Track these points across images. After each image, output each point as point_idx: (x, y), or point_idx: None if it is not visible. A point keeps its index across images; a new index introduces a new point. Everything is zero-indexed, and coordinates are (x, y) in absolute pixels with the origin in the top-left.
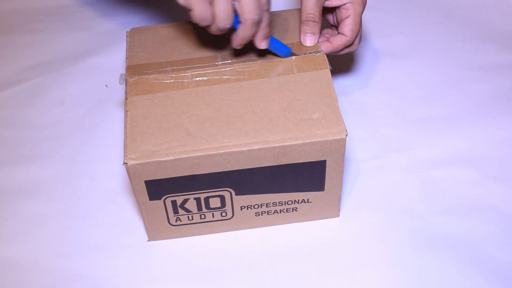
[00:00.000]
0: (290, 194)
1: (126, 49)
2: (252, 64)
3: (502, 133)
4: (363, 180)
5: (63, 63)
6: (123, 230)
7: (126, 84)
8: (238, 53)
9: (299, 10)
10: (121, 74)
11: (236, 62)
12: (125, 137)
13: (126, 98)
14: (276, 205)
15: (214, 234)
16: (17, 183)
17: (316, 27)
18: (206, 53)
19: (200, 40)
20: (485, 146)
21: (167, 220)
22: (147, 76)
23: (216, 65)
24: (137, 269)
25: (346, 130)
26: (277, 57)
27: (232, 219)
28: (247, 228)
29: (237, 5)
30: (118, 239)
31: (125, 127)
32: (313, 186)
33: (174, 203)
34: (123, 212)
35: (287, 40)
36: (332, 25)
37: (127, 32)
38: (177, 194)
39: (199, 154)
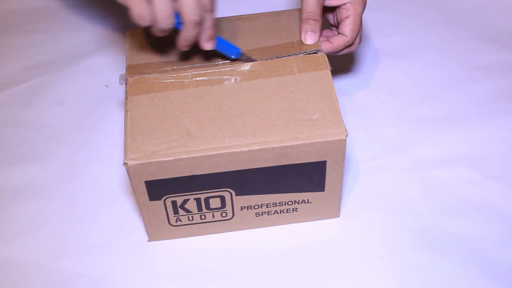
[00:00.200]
0: (290, 195)
1: (126, 49)
2: (252, 64)
3: (502, 133)
4: (363, 180)
5: (63, 63)
6: (123, 230)
7: (126, 83)
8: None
9: (300, 10)
10: (121, 75)
11: (237, 62)
12: (125, 137)
13: (126, 98)
14: (276, 205)
15: (214, 235)
16: (17, 183)
17: (317, 26)
18: (206, 53)
19: None
20: (485, 146)
21: (167, 221)
22: (147, 75)
23: (217, 65)
24: (137, 269)
25: (346, 130)
26: (277, 57)
27: (232, 219)
28: (247, 229)
29: (177, 5)
30: (118, 239)
31: (125, 127)
32: (313, 186)
33: (174, 203)
34: (123, 212)
35: (288, 39)
36: (332, 25)
37: (127, 32)
38: (177, 195)
39: (199, 154)
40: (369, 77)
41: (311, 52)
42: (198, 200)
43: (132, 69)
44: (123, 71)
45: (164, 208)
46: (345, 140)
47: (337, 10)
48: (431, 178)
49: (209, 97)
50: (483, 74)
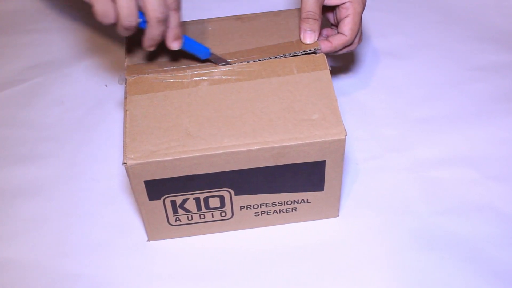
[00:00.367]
0: (290, 194)
1: (126, 49)
2: (252, 65)
3: (502, 133)
4: (362, 180)
5: (63, 63)
6: (122, 230)
7: (125, 83)
8: (238, 54)
9: (299, 10)
10: (120, 75)
11: (236, 62)
12: (125, 137)
13: (125, 98)
14: (276, 205)
15: (213, 234)
16: (17, 183)
17: (316, 25)
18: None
19: (200, 40)
20: (485, 146)
21: (166, 220)
22: (147, 75)
23: (216, 65)
24: (136, 269)
25: (345, 130)
26: (276, 57)
27: (231, 219)
28: (246, 228)
29: (141, 3)
30: (118, 239)
31: (125, 126)
32: (312, 186)
33: (173, 203)
34: (123, 212)
35: (287, 38)
36: (332, 24)
37: None
38: (177, 194)
39: (199, 154)
40: (369, 77)
41: (310, 52)
42: (197, 200)
43: (131, 69)
44: (123, 71)
45: (163, 207)
46: (344, 140)
47: (337, 9)
48: (431, 178)
49: (208, 97)
50: (483, 74)
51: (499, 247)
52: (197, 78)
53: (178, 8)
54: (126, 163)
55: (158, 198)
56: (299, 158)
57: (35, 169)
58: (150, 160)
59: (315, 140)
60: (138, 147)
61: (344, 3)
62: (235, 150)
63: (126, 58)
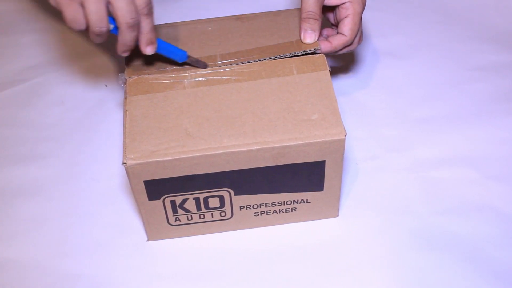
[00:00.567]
0: (289, 194)
1: None
2: (251, 65)
3: (502, 133)
4: (362, 180)
5: (63, 63)
6: (122, 230)
7: (125, 84)
8: (238, 54)
9: (299, 10)
10: (120, 75)
11: (236, 62)
12: (124, 137)
13: (125, 98)
14: (275, 205)
15: (213, 234)
16: (17, 183)
17: (316, 25)
18: (205, 53)
19: (200, 40)
20: (485, 146)
21: (166, 220)
22: (147, 76)
23: (216, 65)
24: (136, 269)
25: (345, 130)
26: (276, 57)
27: (231, 219)
28: (246, 228)
29: (111, 9)
30: (118, 239)
31: (124, 127)
32: (312, 186)
33: (173, 203)
34: (122, 212)
35: (287, 38)
36: (333, 25)
37: None
38: (176, 194)
39: (198, 154)
40: (369, 77)
41: (310, 51)
42: (197, 200)
43: (131, 69)
44: (123, 71)
45: (163, 207)
46: (343, 140)
47: (337, 9)
48: (431, 178)
49: (208, 97)
50: (483, 74)
51: (499, 247)
52: (197, 79)
53: (149, 13)
54: (125, 163)
55: (158, 198)
56: (299, 158)
57: (35, 169)
58: (150, 160)
59: (315, 140)
60: (138, 147)
61: (343, 3)
62: (235, 150)
63: (126, 58)
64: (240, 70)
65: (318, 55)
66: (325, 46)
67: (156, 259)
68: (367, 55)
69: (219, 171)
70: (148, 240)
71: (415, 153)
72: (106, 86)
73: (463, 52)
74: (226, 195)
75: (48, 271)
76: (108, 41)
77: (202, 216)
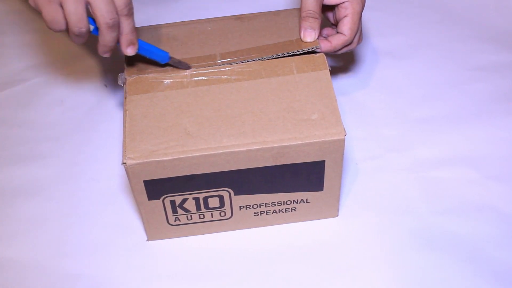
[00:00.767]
0: (289, 194)
1: None
2: (251, 64)
3: (502, 133)
4: (362, 180)
5: (63, 63)
6: (122, 230)
7: (125, 83)
8: (238, 53)
9: (299, 10)
10: (120, 74)
11: (236, 62)
12: (124, 137)
13: (125, 97)
14: (275, 205)
15: (213, 234)
16: (17, 183)
17: (316, 23)
18: (205, 53)
19: (200, 40)
20: (485, 146)
21: (166, 220)
22: (146, 75)
23: (216, 65)
24: (136, 269)
25: (344, 130)
26: (277, 57)
27: (231, 219)
28: (246, 228)
29: (91, 9)
30: (118, 239)
31: (124, 126)
32: (312, 186)
33: (173, 203)
34: (122, 212)
35: (287, 37)
36: (333, 24)
37: None
38: (176, 194)
39: (198, 154)
40: (369, 77)
41: (310, 50)
42: (197, 200)
43: (131, 69)
44: (123, 71)
45: (163, 207)
46: (343, 140)
47: (336, 8)
48: (431, 178)
49: (208, 97)
50: (483, 74)
51: (499, 247)
52: (196, 78)
53: (129, 14)
54: (125, 163)
55: (158, 198)
56: (299, 158)
57: (35, 169)
58: (150, 160)
59: (314, 140)
60: (137, 147)
61: (343, 2)
62: (235, 150)
63: (126, 58)
64: (240, 69)
65: (318, 54)
66: (325, 45)
67: (156, 259)
68: (366, 55)
69: (219, 171)
70: (148, 240)
71: (415, 153)
72: (106, 86)
73: (463, 52)
74: (226, 195)
75: (48, 271)
76: None
77: (202, 216)
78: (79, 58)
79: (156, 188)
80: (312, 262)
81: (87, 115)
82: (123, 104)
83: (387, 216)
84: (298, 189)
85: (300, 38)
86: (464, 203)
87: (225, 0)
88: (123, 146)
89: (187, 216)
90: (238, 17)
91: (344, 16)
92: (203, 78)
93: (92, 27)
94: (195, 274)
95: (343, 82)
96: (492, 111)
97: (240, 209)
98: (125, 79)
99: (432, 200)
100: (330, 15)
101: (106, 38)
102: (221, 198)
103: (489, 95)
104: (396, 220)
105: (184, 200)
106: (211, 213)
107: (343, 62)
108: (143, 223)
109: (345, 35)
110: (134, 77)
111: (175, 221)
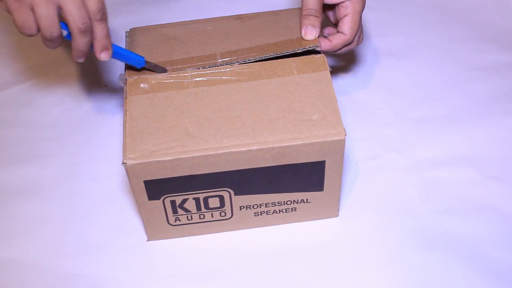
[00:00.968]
0: (289, 194)
1: (126, 49)
2: (252, 65)
3: (502, 133)
4: (362, 180)
5: (63, 63)
6: (122, 230)
7: (125, 83)
8: (238, 53)
9: (299, 9)
10: (120, 74)
11: (236, 62)
12: (124, 137)
13: (125, 98)
14: (275, 205)
15: (213, 234)
16: (17, 183)
17: (317, 21)
18: (206, 52)
19: (200, 40)
20: (485, 146)
21: (166, 220)
22: (147, 76)
23: (216, 65)
24: (136, 269)
25: (345, 130)
26: (277, 58)
27: (231, 219)
28: (246, 228)
29: (63, 14)
30: (118, 239)
31: (124, 126)
32: (312, 186)
33: (173, 203)
34: (122, 212)
35: (287, 36)
36: (333, 23)
37: (126, 32)
38: (176, 194)
39: (198, 154)
40: (369, 77)
41: (310, 48)
42: (197, 200)
43: (131, 69)
44: (123, 71)
45: (163, 207)
46: (343, 140)
47: (336, 8)
48: (431, 178)
49: (208, 97)
50: (483, 74)
51: (499, 247)
52: (197, 79)
53: (102, 19)
54: (125, 163)
55: (158, 198)
56: (299, 158)
57: (35, 169)
58: (150, 160)
59: (315, 140)
60: (138, 147)
61: (343, 1)
62: (235, 150)
63: None
64: (240, 70)
65: (318, 55)
66: (325, 44)
67: (156, 259)
68: (367, 55)
69: (219, 171)
70: (148, 240)
71: (415, 153)
72: (106, 86)
73: (463, 52)
74: (226, 195)
75: (48, 271)
76: None
77: (202, 216)
78: None
79: (156, 188)
80: (312, 262)
81: (87, 115)
82: (123, 104)
83: (387, 216)
84: (298, 189)
85: (301, 36)
86: (464, 203)
87: (225, 0)
88: (123, 146)
89: (187, 216)
90: (238, 17)
91: (345, 16)
92: (204, 78)
93: (65, 32)
94: (195, 274)
95: (343, 82)
96: (492, 111)
97: (240, 209)
98: (126, 79)
99: (432, 200)
100: (330, 14)
101: (78, 43)
102: (221, 198)
103: (489, 95)
104: (396, 220)
105: (185, 200)
106: (211, 213)
107: (343, 62)
108: (143, 223)
109: (345, 34)
110: (135, 77)
111: (175, 221)
